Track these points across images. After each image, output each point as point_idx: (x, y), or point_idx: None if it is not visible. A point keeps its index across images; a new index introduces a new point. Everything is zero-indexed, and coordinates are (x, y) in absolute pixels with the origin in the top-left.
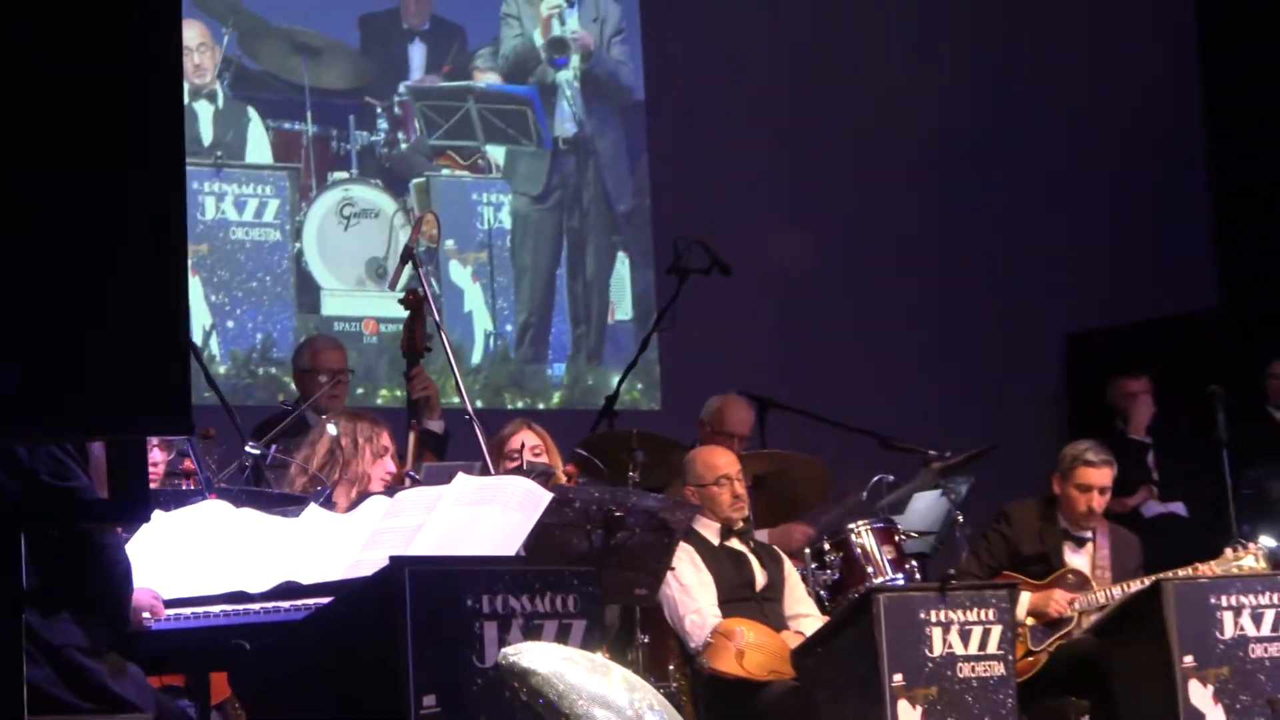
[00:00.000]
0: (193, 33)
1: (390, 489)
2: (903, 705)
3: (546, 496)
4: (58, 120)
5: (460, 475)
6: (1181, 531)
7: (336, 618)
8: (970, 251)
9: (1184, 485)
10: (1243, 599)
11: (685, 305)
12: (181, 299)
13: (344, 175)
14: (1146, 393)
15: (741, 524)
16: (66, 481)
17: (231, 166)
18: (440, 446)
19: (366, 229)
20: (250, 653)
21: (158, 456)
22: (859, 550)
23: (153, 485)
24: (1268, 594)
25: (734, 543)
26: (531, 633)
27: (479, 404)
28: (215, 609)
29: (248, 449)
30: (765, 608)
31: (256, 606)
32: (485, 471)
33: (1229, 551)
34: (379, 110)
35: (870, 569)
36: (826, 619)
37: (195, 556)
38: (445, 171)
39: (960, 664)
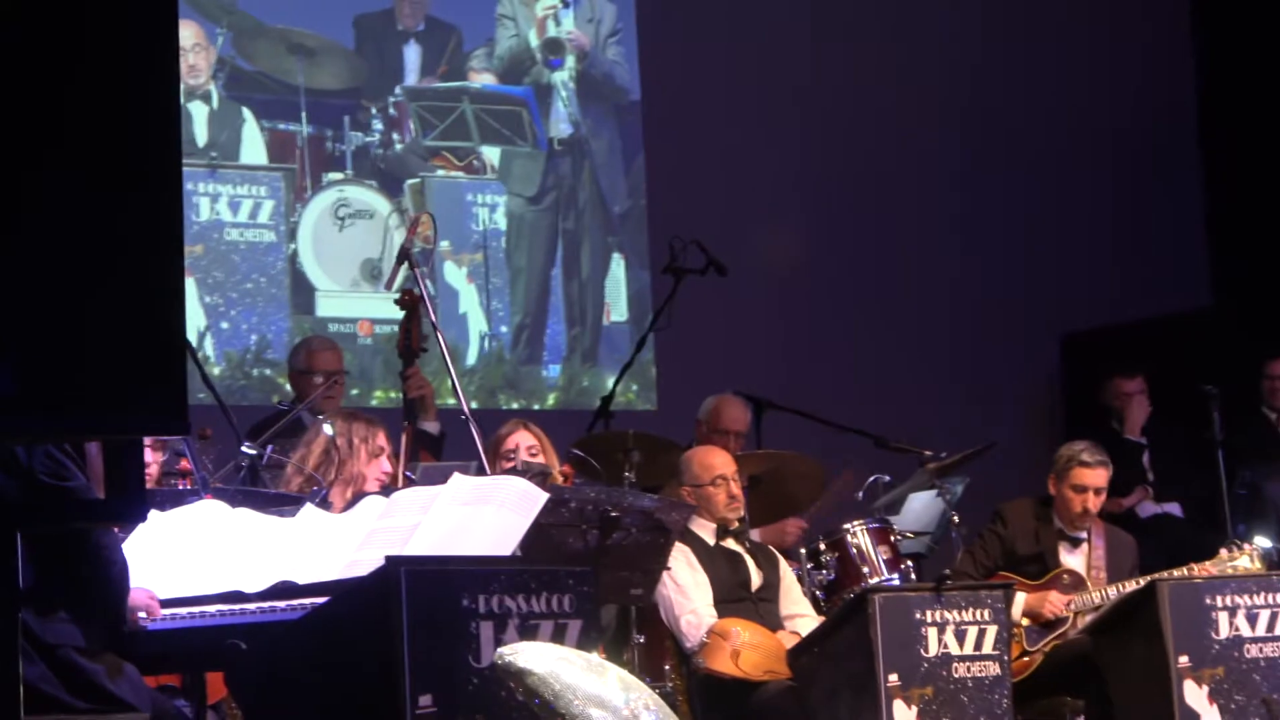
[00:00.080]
0: (187, 33)
1: (386, 489)
2: (898, 705)
3: (542, 497)
4: (57, 122)
5: (456, 475)
6: (1177, 532)
7: (332, 617)
8: (965, 252)
9: (1179, 486)
10: (1238, 599)
11: (681, 305)
12: (178, 300)
13: (339, 176)
14: (1142, 393)
15: (737, 524)
16: (64, 481)
17: (226, 167)
18: (436, 447)
19: (361, 230)
20: (246, 652)
21: (149, 457)
22: (854, 550)
23: (148, 485)
24: (1263, 594)
25: (730, 543)
26: (527, 633)
27: (474, 405)
28: (211, 609)
29: (244, 449)
30: (761, 608)
31: (252, 606)
32: (481, 472)
33: (1224, 552)
34: (374, 111)
35: (866, 569)
36: (822, 619)
37: (191, 556)
38: (440, 172)
39: (956, 664)
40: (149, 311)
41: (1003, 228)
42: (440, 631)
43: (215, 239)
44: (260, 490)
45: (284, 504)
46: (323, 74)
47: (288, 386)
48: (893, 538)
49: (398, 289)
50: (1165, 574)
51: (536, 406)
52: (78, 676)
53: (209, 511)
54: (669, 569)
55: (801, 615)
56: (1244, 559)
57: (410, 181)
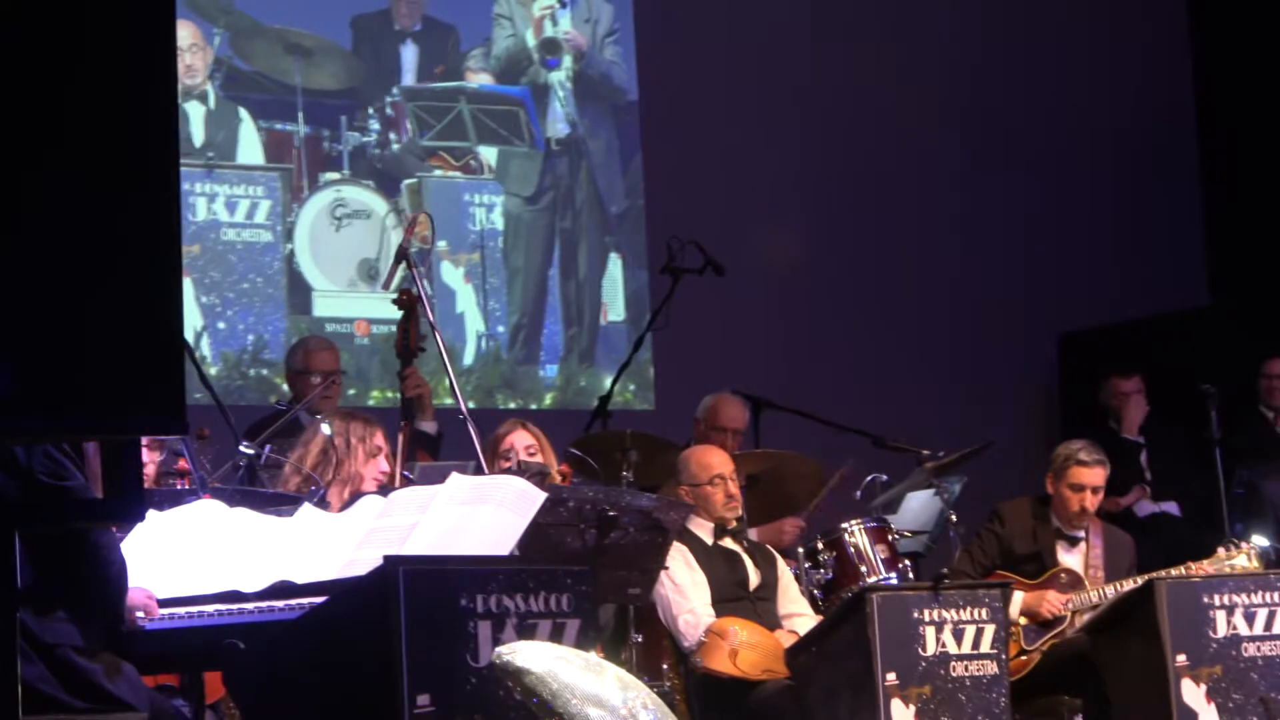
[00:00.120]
0: (184, 33)
1: (384, 489)
2: (896, 704)
3: (540, 496)
4: (57, 122)
5: (454, 475)
6: (1174, 531)
7: (331, 617)
8: (962, 251)
9: (1177, 484)
10: (1235, 598)
11: (679, 305)
12: (176, 300)
13: (336, 176)
14: (1139, 392)
15: (735, 524)
16: (62, 480)
17: (223, 167)
18: (433, 447)
19: (358, 230)
20: (244, 652)
21: (146, 457)
22: (852, 549)
23: (146, 485)
24: (1260, 593)
25: (728, 542)
26: (525, 632)
27: (471, 405)
28: (209, 608)
29: (241, 449)
30: (759, 607)
31: (251, 606)
32: (479, 471)
33: (1221, 551)
34: (371, 111)
35: (864, 568)
36: (820, 618)
37: (189, 556)
38: (437, 172)
39: (954, 663)
40: (148, 311)
41: (1000, 227)
42: (438, 631)
43: (212, 239)
44: (258, 490)
45: (282, 503)
46: (320, 74)
47: (285, 386)
48: (890, 537)
49: (395, 289)
50: (1163, 573)
51: (534, 406)
52: (76, 676)
53: (207, 511)
54: (667, 568)
55: (799, 614)
56: (1241, 558)
57: (407, 181)
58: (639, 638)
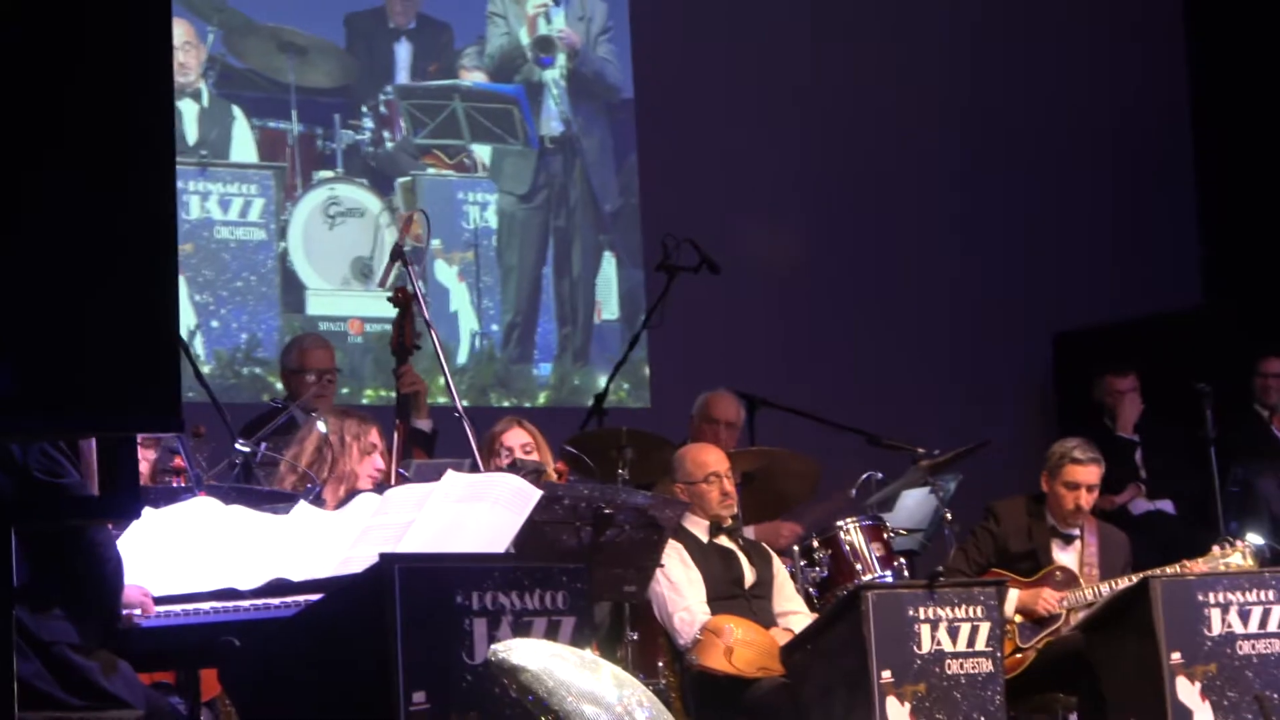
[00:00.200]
0: (177, 31)
1: (379, 486)
2: (891, 702)
3: (536, 494)
4: (57, 122)
5: (450, 472)
6: (1169, 529)
7: (326, 614)
8: (958, 251)
9: (1172, 483)
10: (1230, 596)
11: (674, 303)
12: (173, 298)
13: (329, 174)
14: (1134, 390)
15: (730, 521)
16: (58, 478)
17: (216, 165)
18: (429, 445)
19: (352, 228)
20: (240, 649)
21: (141, 454)
22: (848, 547)
23: (141, 483)
24: (1255, 591)
25: (723, 540)
26: (521, 629)
27: (464, 404)
28: (205, 606)
29: (237, 446)
30: (754, 605)
31: (246, 603)
32: (475, 469)
33: (1216, 549)
34: (364, 109)
35: (859, 566)
36: (815, 616)
37: (185, 553)
38: (431, 170)
39: (949, 661)
40: (145, 310)
41: (995, 227)
42: (434, 628)
43: (205, 237)
44: (254, 487)
45: (277, 501)
46: (313, 72)
47: (278, 385)
48: (886, 535)
49: (390, 287)
50: (1158, 571)
51: (528, 405)
52: (72, 674)
53: (203, 509)
54: (662, 566)
55: (794, 612)
56: (1236, 556)
57: (401, 180)
58: (634, 635)
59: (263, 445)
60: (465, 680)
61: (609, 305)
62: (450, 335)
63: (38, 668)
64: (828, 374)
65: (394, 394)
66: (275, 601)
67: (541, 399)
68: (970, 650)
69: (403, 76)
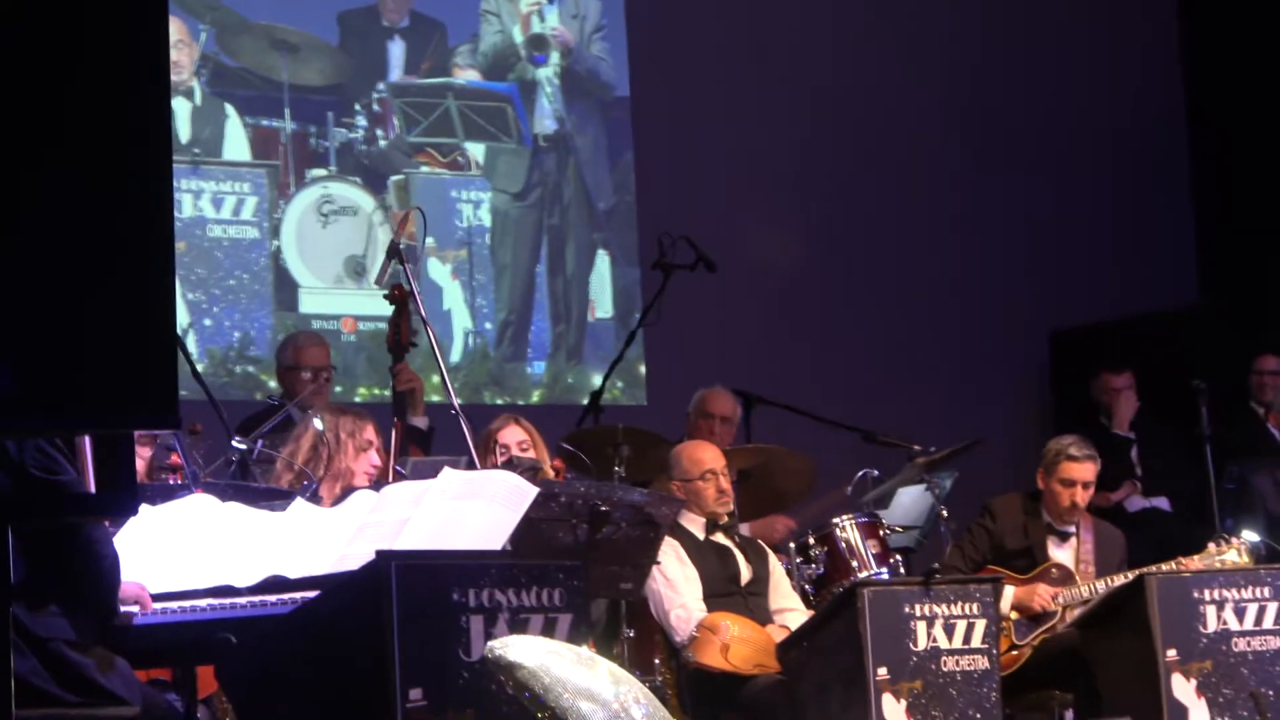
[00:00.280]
0: (170, 29)
1: (376, 483)
2: (887, 699)
3: (532, 491)
4: (57, 122)
5: (446, 470)
6: (1165, 526)
7: (323, 611)
8: (955, 248)
9: (1167, 480)
10: (1225, 593)
11: (670, 301)
12: (169, 295)
13: (322, 172)
14: (1130, 388)
15: (726, 518)
16: (54, 475)
17: (209, 164)
18: (425, 442)
19: (345, 226)
20: (237, 646)
21: (137, 452)
22: (844, 544)
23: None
24: (1250, 588)
25: (719, 537)
26: (517, 626)
27: (459, 402)
28: (202, 603)
29: (234, 444)
30: (750, 602)
31: (243, 600)
32: (471, 466)
33: (1212, 546)
34: (358, 107)
35: (855, 563)
36: (811, 613)
37: (182, 550)
38: (424, 169)
39: (944, 658)
40: (142, 308)
41: (992, 225)
42: (431, 626)
43: (198, 236)
44: (250, 485)
45: (274, 499)
46: (306, 70)
47: (271, 383)
48: (881, 532)
49: (386, 284)
50: (1153, 568)
51: (521, 403)
52: (69, 670)
53: (199, 506)
54: (659, 563)
55: (791, 609)
56: (1232, 553)
57: (394, 178)
58: (631, 632)
59: (259, 442)
60: (462, 677)
61: (602, 304)
62: (444, 333)
63: (34, 664)
64: (824, 371)
65: (387, 392)
66: (272, 599)
67: (535, 397)
68: (966, 647)
69: (396, 74)
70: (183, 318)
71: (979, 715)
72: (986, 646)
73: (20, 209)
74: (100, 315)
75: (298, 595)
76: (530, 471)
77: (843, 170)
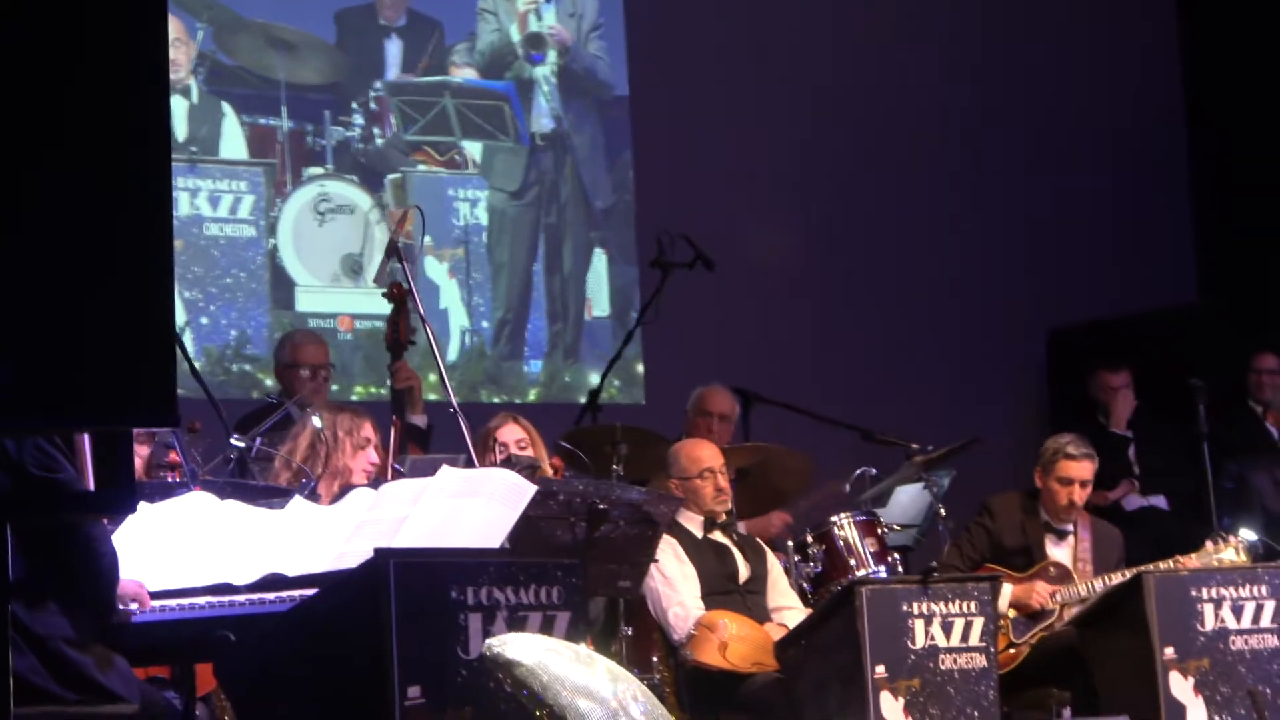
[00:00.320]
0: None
1: (374, 481)
2: (885, 697)
3: (531, 489)
4: (56, 122)
5: (445, 468)
6: (1162, 524)
7: (321, 609)
8: (953, 247)
9: (1165, 479)
10: (1223, 591)
11: (669, 299)
12: (168, 294)
13: (319, 171)
14: (1127, 387)
15: (725, 517)
16: (53, 473)
17: (206, 162)
18: (424, 440)
19: (342, 225)
20: (235, 644)
21: (135, 449)
22: (842, 543)
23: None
24: (1248, 586)
25: (717, 535)
26: (516, 624)
27: (456, 400)
28: (200, 600)
29: (232, 441)
30: (748, 600)
31: (242, 598)
32: (470, 464)
33: (1209, 544)
34: (355, 106)
35: (853, 561)
36: (809, 611)
37: (180, 548)
38: (422, 167)
39: (942, 656)
40: (142, 307)
41: (991, 224)
42: (429, 623)
43: (195, 234)
44: (249, 482)
45: (272, 496)
46: (303, 68)
47: (268, 381)
48: (880, 530)
49: (384, 282)
50: (1151, 566)
51: (518, 401)
52: (67, 668)
53: (198, 503)
54: (657, 561)
55: (789, 607)
56: (1229, 551)
57: (391, 176)
58: (629, 630)
59: (257, 440)
60: (460, 675)
61: (600, 302)
62: (441, 332)
63: (33, 662)
64: (822, 370)
65: (384, 390)
66: (270, 596)
67: (532, 396)
68: (964, 645)
69: (393, 73)
70: (180, 316)
71: (977, 713)
72: (984, 645)
73: (20, 209)
74: (99, 314)
75: (296, 593)
76: (529, 470)
77: (842, 169)
